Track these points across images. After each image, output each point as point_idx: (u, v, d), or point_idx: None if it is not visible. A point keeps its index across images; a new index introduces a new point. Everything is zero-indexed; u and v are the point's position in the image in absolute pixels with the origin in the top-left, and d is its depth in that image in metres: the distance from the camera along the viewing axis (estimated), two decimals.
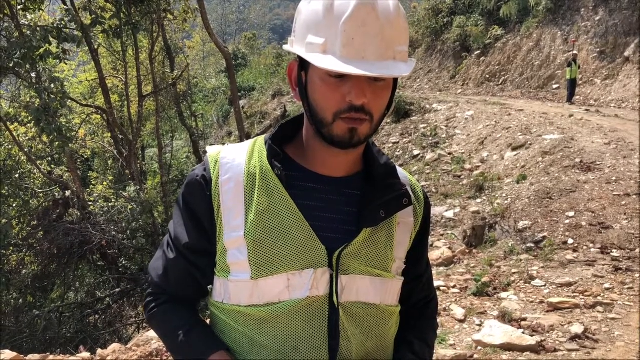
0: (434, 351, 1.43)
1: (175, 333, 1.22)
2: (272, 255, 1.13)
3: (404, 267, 1.27)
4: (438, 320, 1.49)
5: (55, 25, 10.13)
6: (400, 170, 1.29)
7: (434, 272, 2.64)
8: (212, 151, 1.23)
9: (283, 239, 1.13)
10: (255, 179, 1.16)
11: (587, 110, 13.28)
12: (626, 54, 15.13)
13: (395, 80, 1.16)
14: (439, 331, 1.59)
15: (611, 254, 5.94)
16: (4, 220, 10.59)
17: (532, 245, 6.53)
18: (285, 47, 1.18)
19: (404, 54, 1.09)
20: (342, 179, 1.21)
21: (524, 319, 4.66)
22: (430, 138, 13.23)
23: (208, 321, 1.29)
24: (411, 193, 1.25)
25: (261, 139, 1.24)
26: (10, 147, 12.20)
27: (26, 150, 11.85)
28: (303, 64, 1.13)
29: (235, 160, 1.19)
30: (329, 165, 1.20)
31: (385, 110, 1.15)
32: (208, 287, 1.28)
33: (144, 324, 9.57)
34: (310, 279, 1.13)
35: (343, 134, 1.10)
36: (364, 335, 1.19)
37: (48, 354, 4.92)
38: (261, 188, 1.15)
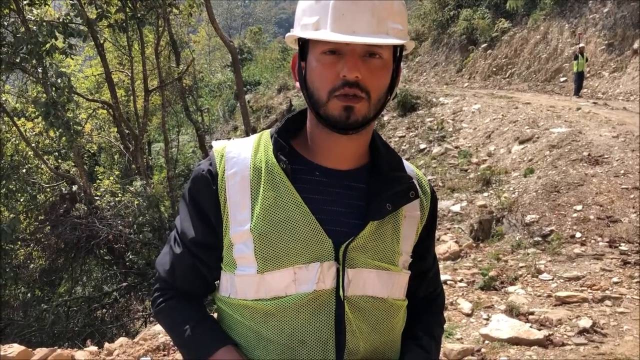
0: (441, 345, 1.42)
1: (182, 328, 1.22)
2: (279, 249, 1.12)
3: (410, 261, 1.26)
4: (445, 315, 1.48)
5: (61, 20, 10.16)
6: (406, 163, 1.29)
7: (440, 266, 2.63)
8: (218, 146, 1.23)
9: (289, 233, 1.12)
10: (261, 172, 1.16)
11: (594, 103, 13.17)
12: (635, 46, 14.99)
13: (398, 63, 1.15)
14: (445, 325, 1.58)
15: (619, 247, 5.91)
16: (11, 215, 10.66)
17: (540, 239, 6.50)
18: (287, 35, 1.19)
19: (398, 31, 1.09)
20: (348, 171, 1.20)
21: (532, 313, 4.64)
22: (437, 132, 13.17)
23: (215, 316, 1.29)
24: (417, 186, 1.24)
25: (267, 133, 1.23)
26: (17, 142, 12.25)
27: (33, 145, 11.89)
28: (302, 54, 1.14)
29: (241, 154, 1.19)
30: (334, 156, 1.19)
31: (388, 94, 1.14)
32: (215, 282, 1.27)
33: (151, 318, 9.61)
34: (317, 273, 1.12)
35: (339, 113, 1.09)
36: (371, 330, 1.18)
37: (56, 347, 4.94)
38: (267, 182, 1.15)
